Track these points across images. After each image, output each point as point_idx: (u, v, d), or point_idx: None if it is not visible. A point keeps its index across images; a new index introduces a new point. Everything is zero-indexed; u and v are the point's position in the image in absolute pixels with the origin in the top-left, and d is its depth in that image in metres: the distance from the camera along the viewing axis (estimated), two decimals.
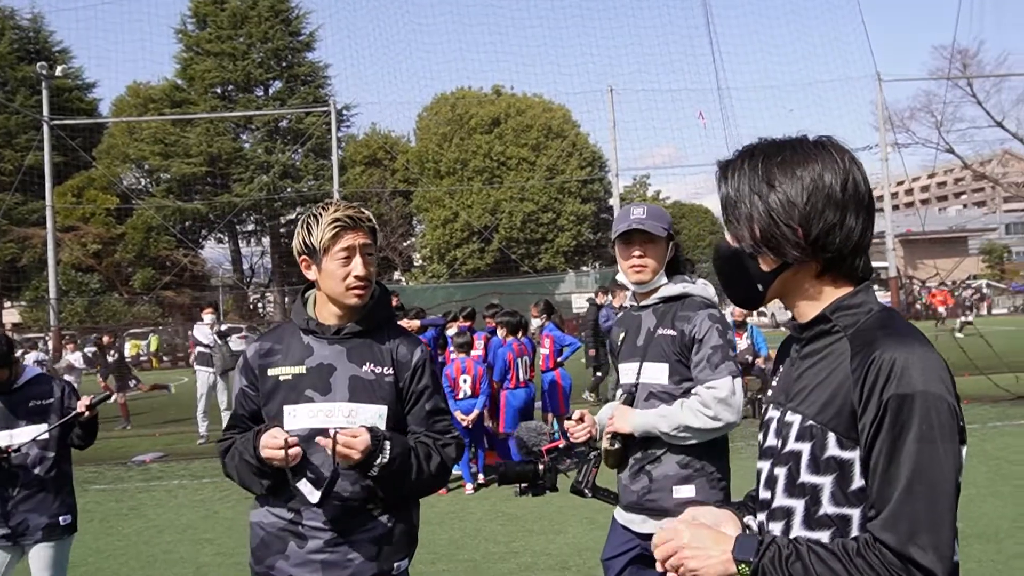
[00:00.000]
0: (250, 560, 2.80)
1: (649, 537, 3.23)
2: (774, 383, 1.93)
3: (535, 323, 10.68)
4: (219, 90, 46.60)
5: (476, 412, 8.84)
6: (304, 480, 2.63)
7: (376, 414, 2.69)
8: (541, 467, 3.27)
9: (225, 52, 45.27)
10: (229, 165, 44.33)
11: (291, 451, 2.55)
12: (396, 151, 46.45)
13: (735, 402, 3.17)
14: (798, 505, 1.71)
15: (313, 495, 2.60)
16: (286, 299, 45.12)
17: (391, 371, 2.74)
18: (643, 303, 3.41)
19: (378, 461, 2.57)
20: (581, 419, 3.41)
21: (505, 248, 40.45)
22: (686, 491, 3.22)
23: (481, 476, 9.22)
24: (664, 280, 3.37)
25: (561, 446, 3.36)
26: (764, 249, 1.75)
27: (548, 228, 43.27)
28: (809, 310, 1.79)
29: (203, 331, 13.66)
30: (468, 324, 10.06)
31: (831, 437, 1.66)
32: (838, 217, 1.71)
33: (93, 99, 48.50)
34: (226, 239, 48.96)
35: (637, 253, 3.33)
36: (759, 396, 12.59)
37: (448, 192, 43.07)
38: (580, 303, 35.07)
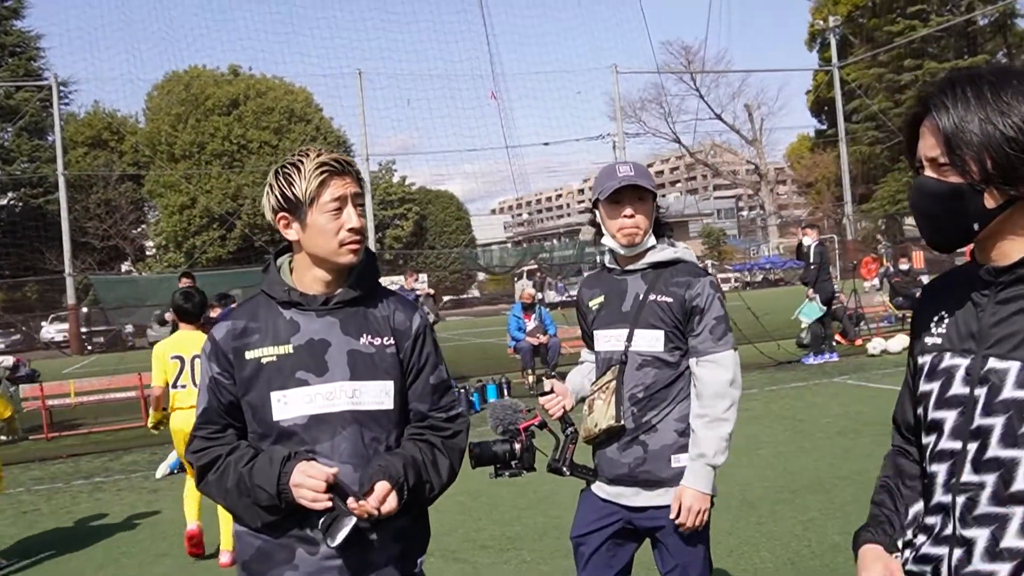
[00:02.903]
0: (241, 575, 2.37)
1: (641, 510, 3.09)
2: (937, 330, 1.83)
3: None
4: None
5: None
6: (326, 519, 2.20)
7: (383, 391, 2.33)
8: (518, 446, 3.03)
9: None
10: None
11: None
12: (124, 132, 43.14)
13: (738, 374, 3.10)
14: (1022, 455, 1.62)
15: (335, 539, 2.17)
16: None
17: (391, 341, 2.38)
18: (628, 267, 3.18)
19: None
20: (552, 390, 3.18)
21: (249, 234, 38.68)
22: (684, 459, 3.07)
23: None
24: (653, 242, 3.17)
25: (538, 423, 3.13)
26: (995, 183, 1.63)
27: None
28: (1015, 251, 1.69)
29: None
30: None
31: None
32: None
33: None
34: None
35: (628, 212, 3.09)
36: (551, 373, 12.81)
37: (184, 176, 40.60)
38: None
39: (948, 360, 1.77)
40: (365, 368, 2.31)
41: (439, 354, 2.50)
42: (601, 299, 3.26)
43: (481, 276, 49.47)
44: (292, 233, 2.33)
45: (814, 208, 57.14)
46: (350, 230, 2.28)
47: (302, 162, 2.28)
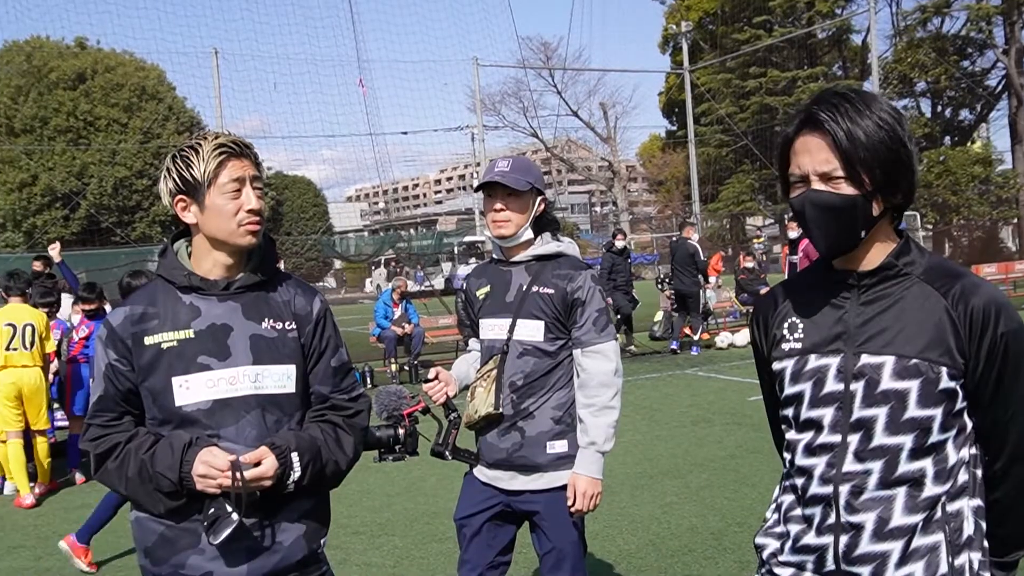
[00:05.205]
0: (143, 562, 2.37)
1: (517, 494, 3.27)
2: (793, 335, 1.96)
3: None
4: None
5: None
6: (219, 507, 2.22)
7: (285, 375, 2.37)
8: (401, 432, 3.15)
9: None
10: None
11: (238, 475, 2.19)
12: None
13: (620, 363, 3.28)
14: (906, 440, 1.81)
15: (218, 536, 2.20)
16: None
17: (293, 325, 2.41)
18: (513, 259, 3.34)
19: (290, 479, 2.29)
20: (437, 377, 3.31)
21: (95, 215, 36.91)
22: (560, 446, 3.24)
23: None
24: (530, 235, 3.31)
25: (421, 409, 3.27)
26: (883, 192, 1.82)
27: (143, 195, 40.20)
28: (877, 257, 1.88)
29: None
30: None
31: (944, 371, 1.79)
32: (916, 168, 1.87)
33: None
34: None
35: (498, 207, 3.25)
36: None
37: (25, 152, 38.32)
38: None
39: (815, 361, 1.90)
40: (267, 352, 2.34)
41: (339, 337, 2.54)
42: (487, 289, 3.39)
43: (337, 264, 48.82)
44: (190, 216, 2.34)
45: (663, 206, 58.97)
46: (249, 211, 2.30)
47: (201, 144, 2.30)
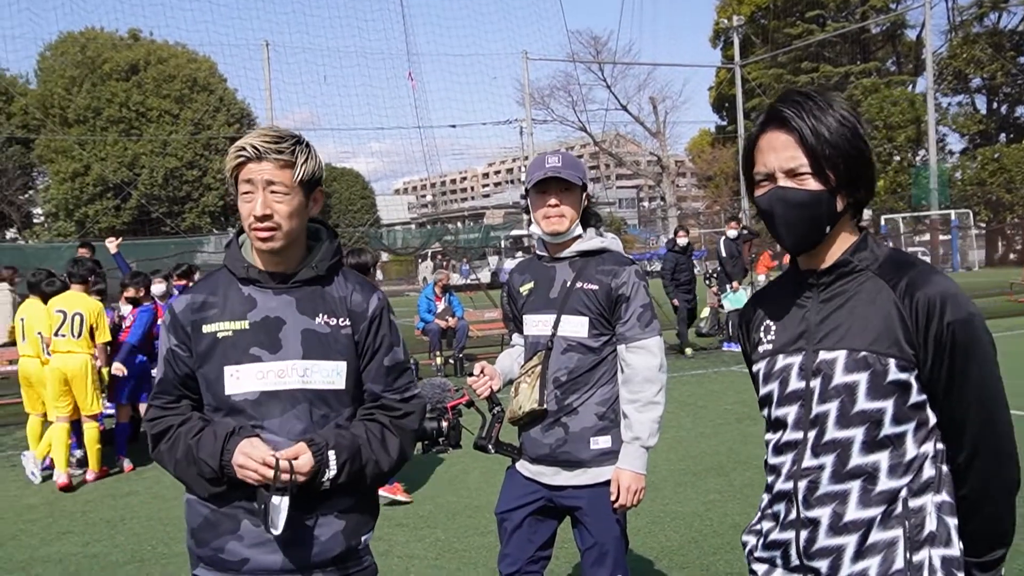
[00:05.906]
0: (189, 543, 2.41)
1: (560, 489, 3.25)
2: (767, 337, 2.01)
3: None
4: None
5: None
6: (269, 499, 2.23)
7: (334, 371, 2.37)
8: (445, 424, 3.14)
9: None
10: None
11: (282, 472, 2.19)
12: (13, 92, 41.20)
13: (664, 359, 3.27)
14: (856, 433, 1.83)
15: (275, 526, 2.21)
16: None
17: (347, 322, 2.40)
18: (557, 255, 3.32)
19: (326, 477, 2.28)
20: (482, 372, 3.29)
21: (146, 205, 37.52)
22: (603, 442, 3.23)
23: None
24: (579, 231, 3.29)
25: (465, 403, 3.26)
26: (845, 187, 1.85)
27: (193, 186, 40.87)
28: (835, 253, 1.91)
29: None
30: (184, 283, 9.23)
31: (891, 363, 1.80)
32: (875, 165, 1.91)
33: None
34: None
35: (553, 202, 3.23)
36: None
37: (78, 142, 39.03)
38: None
39: (781, 361, 1.96)
40: (318, 347, 2.34)
41: (396, 335, 2.51)
42: (531, 285, 3.38)
43: (384, 257, 49.09)
44: None
45: (712, 202, 58.45)
46: (254, 216, 2.28)
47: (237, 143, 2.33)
